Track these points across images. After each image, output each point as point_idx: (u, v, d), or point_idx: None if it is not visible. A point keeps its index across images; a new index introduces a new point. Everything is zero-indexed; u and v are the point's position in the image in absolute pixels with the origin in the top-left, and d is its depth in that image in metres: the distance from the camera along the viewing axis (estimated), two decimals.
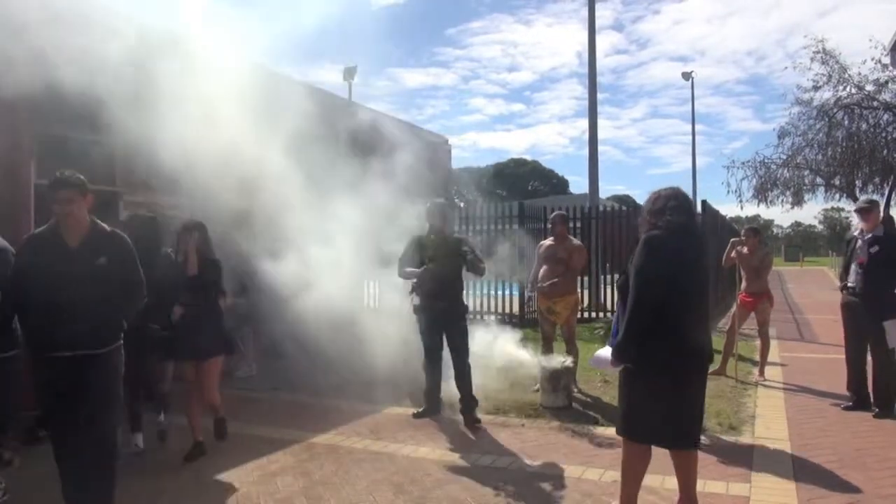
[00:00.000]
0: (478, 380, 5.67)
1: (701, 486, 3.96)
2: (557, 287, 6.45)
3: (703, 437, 4.61)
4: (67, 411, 3.25)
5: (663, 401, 3.23)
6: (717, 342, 9.37)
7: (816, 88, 20.74)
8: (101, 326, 3.34)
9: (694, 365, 3.30)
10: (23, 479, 3.98)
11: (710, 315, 3.80)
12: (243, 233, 5.98)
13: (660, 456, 4.50)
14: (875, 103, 20.38)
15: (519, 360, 6.81)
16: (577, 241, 7.13)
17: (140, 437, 4.84)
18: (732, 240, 7.74)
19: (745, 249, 7.36)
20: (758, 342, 7.65)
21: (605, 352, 3.53)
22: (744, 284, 7.43)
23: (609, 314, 11.26)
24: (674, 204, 3.34)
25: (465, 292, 5.98)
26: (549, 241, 6.87)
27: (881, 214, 5.72)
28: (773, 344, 8.03)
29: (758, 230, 7.74)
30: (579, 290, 7.47)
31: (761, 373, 7.24)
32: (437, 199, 5.86)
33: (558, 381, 5.83)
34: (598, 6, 16.28)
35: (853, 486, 3.93)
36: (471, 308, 8.48)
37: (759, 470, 4.24)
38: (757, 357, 7.60)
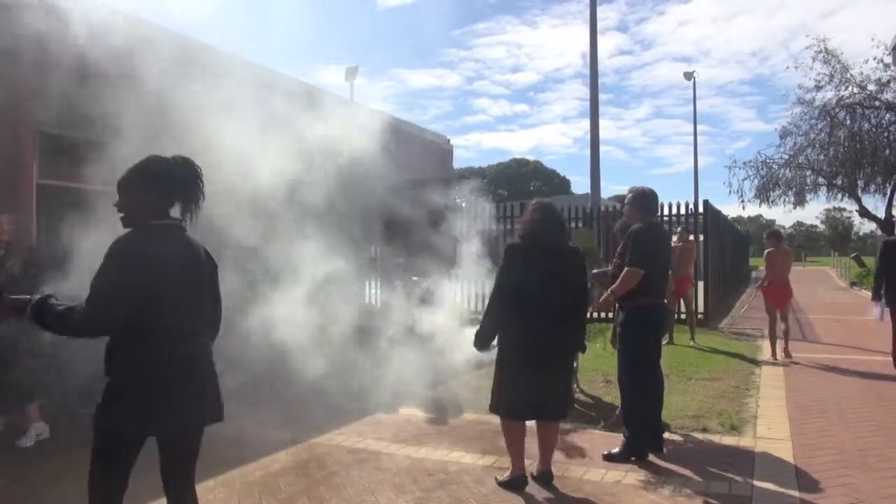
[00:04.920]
0: (478, 379, 5.65)
1: (703, 486, 3.97)
2: None
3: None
4: None
5: (517, 379, 3.78)
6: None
7: (818, 88, 20.72)
8: None
9: (547, 350, 3.79)
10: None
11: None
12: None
13: (659, 458, 4.50)
14: (877, 103, 20.33)
15: None
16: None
17: None
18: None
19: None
20: (760, 342, 7.94)
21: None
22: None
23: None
24: (529, 217, 3.96)
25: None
26: None
27: None
28: (777, 344, 8.27)
29: (773, 233, 8.97)
30: None
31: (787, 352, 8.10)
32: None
33: None
34: (602, 8, 16.33)
35: (855, 487, 3.91)
36: (473, 308, 8.49)
37: (761, 470, 4.23)
38: (760, 357, 8.10)
